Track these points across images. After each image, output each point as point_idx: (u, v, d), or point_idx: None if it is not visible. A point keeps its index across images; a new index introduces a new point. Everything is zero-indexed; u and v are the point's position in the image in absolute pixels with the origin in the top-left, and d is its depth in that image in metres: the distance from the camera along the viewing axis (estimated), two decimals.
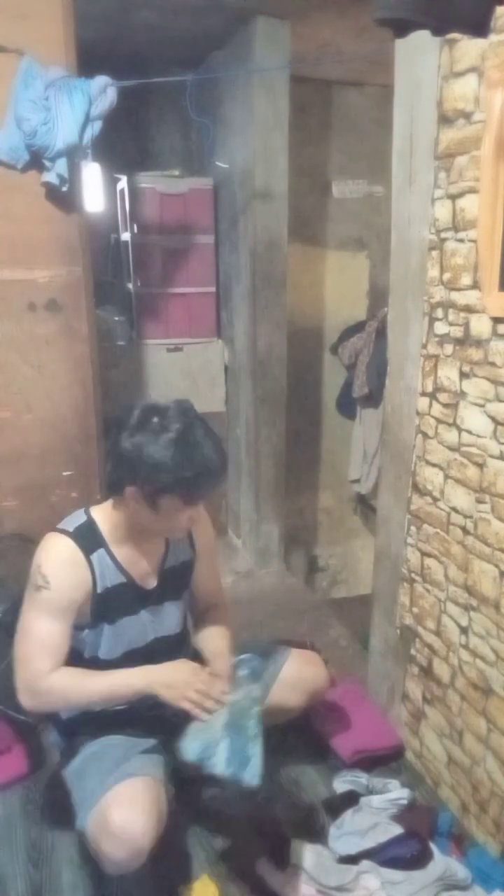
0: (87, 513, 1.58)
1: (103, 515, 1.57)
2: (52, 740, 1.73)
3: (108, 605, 1.56)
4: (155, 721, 1.60)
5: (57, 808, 1.85)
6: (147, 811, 1.40)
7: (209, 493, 1.52)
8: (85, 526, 1.55)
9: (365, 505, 4.01)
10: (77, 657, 1.57)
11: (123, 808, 1.39)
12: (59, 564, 1.49)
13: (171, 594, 1.68)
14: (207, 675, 1.53)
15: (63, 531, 1.53)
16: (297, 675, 1.83)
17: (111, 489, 1.53)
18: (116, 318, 3.48)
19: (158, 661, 1.66)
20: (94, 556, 1.53)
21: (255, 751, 1.47)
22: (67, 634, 1.49)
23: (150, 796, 1.43)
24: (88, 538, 1.53)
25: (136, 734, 1.60)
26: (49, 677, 1.45)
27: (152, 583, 1.63)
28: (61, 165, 2.04)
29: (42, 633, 1.47)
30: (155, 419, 1.43)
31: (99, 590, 1.53)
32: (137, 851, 1.38)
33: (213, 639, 1.71)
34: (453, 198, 1.62)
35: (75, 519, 1.57)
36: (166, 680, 1.49)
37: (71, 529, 1.53)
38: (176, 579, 1.69)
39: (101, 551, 1.54)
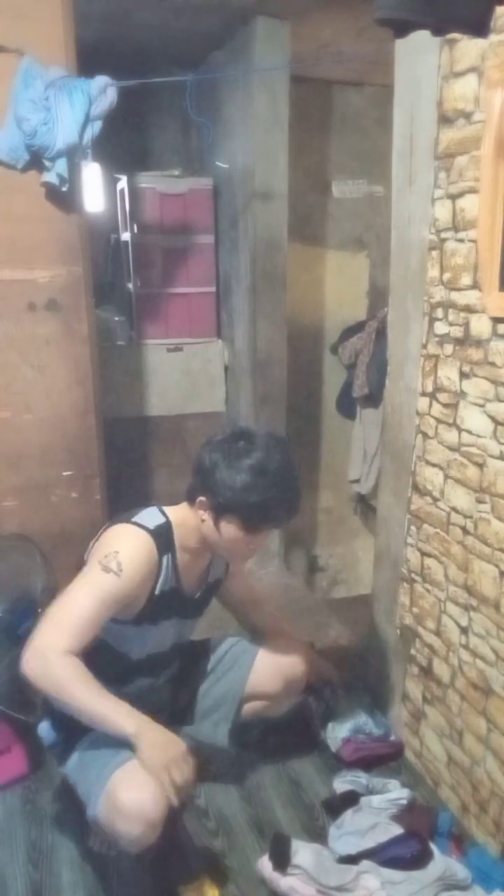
0: (164, 513, 1.60)
1: (179, 520, 1.59)
2: (42, 730, 1.71)
3: (158, 606, 1.59)
4: (151, 707, 1.61)
5: (57, 807, 1.86)
6: (153, 787, 1.41)
7: (273, 525, 1.55)
8: (164, 527, 1.57)
9: (365, 505, 4.01)
10: (106, 650, 1.58)
11: (130, 786, 1.41)
12: (139, 559, 1.50)
13: (204, 606, 1.76)
14: (190, 768, 1.43)
15: (143, 527, 1.54)
16: (272, 661, 1.87)
17: (188, 495, 1.58)
18: (116, 318, 3.48)
19: (172, 666, 1.71)
20: (164, 559, 1.56)
21: None
22: (102, 625, 1.48)
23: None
24: (164, 540, 1.56)
25: None
26: (60, 655, 1.40)
27: (196, 593, 1.69)
28: (61, 165, 2.04)
29: (85, 611, 1.44)
30: (242, 442, 1.49)
31: (157, 591, 1.56)
32: (152, 824, 1.39)
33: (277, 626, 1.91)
34: (453, 198, 1.62)
35: (153, 517, 1.58)
36: (154, 744, 1.41)
37: (151, 527, 1.55)
38: (210, 593, 1.76)
39: (169, 555, 1.57)
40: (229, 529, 1.51)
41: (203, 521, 1.55)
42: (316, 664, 1.98)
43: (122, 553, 1.48)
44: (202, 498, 1.52)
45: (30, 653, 1.42)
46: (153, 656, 1.67)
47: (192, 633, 1.82)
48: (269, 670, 1.86)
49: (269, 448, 1.49)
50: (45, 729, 1.68)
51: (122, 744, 1.49)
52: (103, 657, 1.56)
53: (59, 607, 1.46)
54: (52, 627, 1.43)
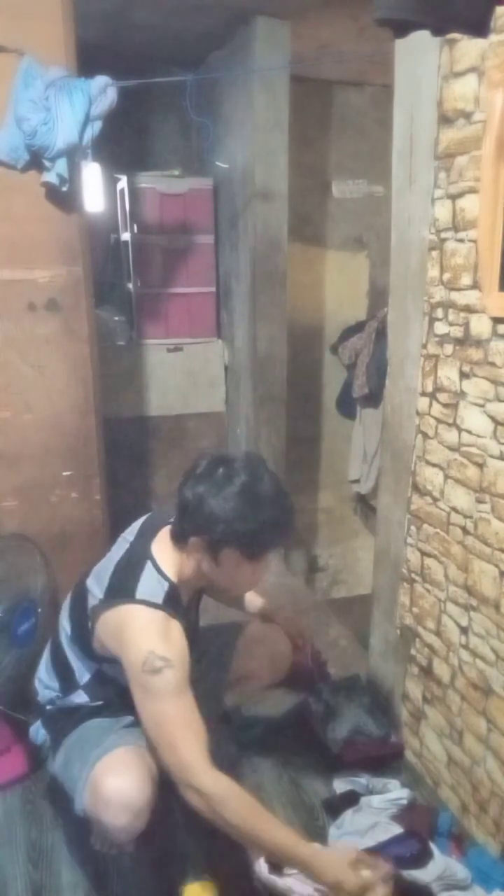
0: (163, 574, 1.49)
1: (178, 575, 1.50)
2: (32, 732, 1.71)
3: None
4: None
5: (57, 808, 1.86)
6: (137, 773, 1.40)
7: (274, 549, 1.50)
8: (170, 594, 1.48)
9: (365, 505, 4.01)
10: (117, 688, 1.52)
11: (112, 774, 1.41)
12: (172, 640, 1.42)
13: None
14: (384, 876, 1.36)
15: (153, 604, 1.45)
16: (254, 638, 1.86)
17: (176, 538, 1.49)
18: (116, 318, 3.48)
19: None
20: (181, 618, 1.49)
21: None
22: (198, 714, 1.40)
23: (137, 760, 1.44)
24: (174, 605, 1.48)
25: (115, 715, 1.60)
26: (214, 779, 1.35)
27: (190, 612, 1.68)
28: (61, 165, 2.04)
29: (185, 715, 1.38)
30: (221, 469, 1.42)
31: None
32: (137, 812, 1.39)
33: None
34: (453, 198, 1.62)
35: (157, 587, 1.47)
36: (332, 880, 1.35)
37: (160, 602, 1.45)
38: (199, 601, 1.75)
39: (182, 610, 1.53)
40: (230, 562, 1.44)
41: (201, 562, 1.46)
42: (306, 641, 1.96)
43: (157, 647, 1.38)
44: (194, 539, 1.43)
45: (187, 794, 1.37)
46: None
47: None
48: (252, 650, 1.85)
49: (251, 469, 1.43)
50: (35, 729, 1.69)
51: (103, 735, 1.50)
52: (118, 698, 1.53)
53: (161, 737, 1.39)
54: (183, 753, 1.36)
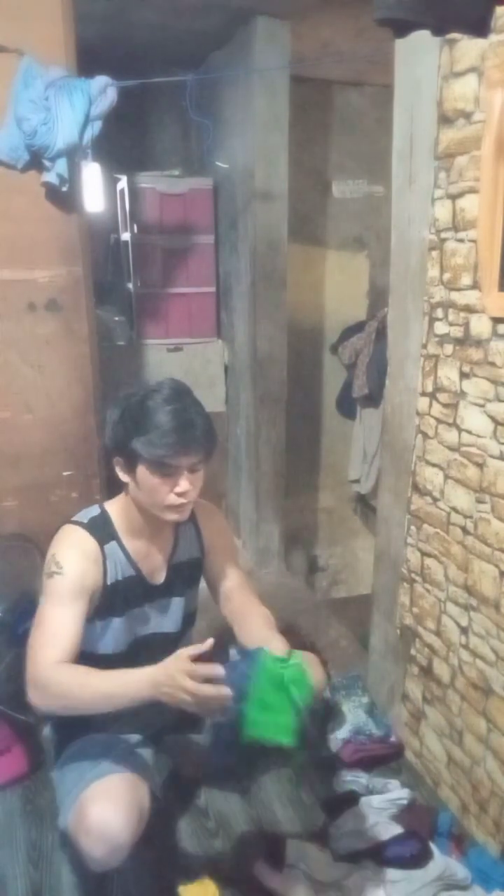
0: (101, 506, 1.60)
1: (116, 508, 1.59)
2: (45, 734, 1.72)
3: (117, 597, 1.56)
4: (151, 715, 1.60)
5: (56, 808, 1.86)
6: (125, 808, 1.38)
7: (175, 455, 1.45)
8: (99, 518, 1.57)
9: (365, 505, 4.01)
10: (89, 659, 1.53)
11: (100, 804, 1.38)
12: (73, 551, 1.49)
13: (177, 590, 1.68)
14: (194, 670, 1.29)
15: (77, 522, 1.55)
16: None
17: (114, 468, 1.56)
18: (116, 318, 3.48)
19: (155, 658, 1.66)
20: (108, 548, 1.54)
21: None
22: (78, 623, 1.45)
23: (128, 793, 1.42)
24: (102, 529, 1.55)
25: (124, 730, 1.60)
26: (52, 668, 1.38)
27: (160, 578, 1.64)
28: (61, 165, 2.04)
29: (53, 621, 1.43)
30: (135, 392, 1.48)
31: (109, 581, 1.54)
32: (116, 848, 1.36)
33: (262, 632, 1.60)
34: (453, 198, 1.62)
35: (89, 511, 1.59)
36: (159, 681, 1.31)
37: (85, 521, 1.55)
38: (183, 575, 1.68)
39: (114, 543, 1.55)
40: (143, 478, 1.46)
41: (131, 489, 1.52)
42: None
43: (58, 553, 1.49)
44: (115, 460, 1.51)
45: (28, 689, 1.40)
46: (132, 647, 1.61)
47: (182, 623, 1.72)
48: None
49: (156, 386, 1.48)
50: (47, 732, 1.69)
51: (103, 754, 1.49)
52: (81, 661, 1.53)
53: (32, 634, 1.45)
54: (32, 653, 1.42)
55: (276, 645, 1.47)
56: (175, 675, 1.27)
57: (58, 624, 1.44)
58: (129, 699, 1.35)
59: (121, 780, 1.44)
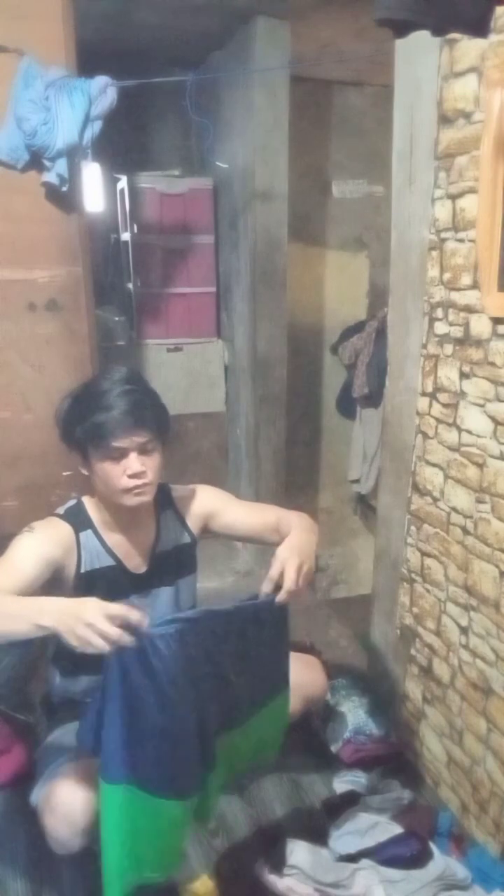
0: (79, 498, 1.62)
1: (91, 502, 1.60)
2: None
3: (94, 586, 1.54)
4: None
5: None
6: (92, 791, 1.39)
7: (122, 436, 1.43)
8: (74, 507, 1.59)
9: (365, 505, 4.01)
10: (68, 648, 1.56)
11: (68, 786, 1.41)
12: (48, 529, 1.52)
13: (165, 580, 1.67)
14: (106, 608, 1.26)
15: (54, 514, 1.58)
16: (294, 680, 1.82)
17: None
18: (116, 318, 3.48)
19: None
20: (83, 535, 1.55)
21: None
22: (31, 577, 1.41)
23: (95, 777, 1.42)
24: (77, 518, 1.56)
25: None
26: None
27: (142, 568, 1.63)
28: (61, 165, 2.04)
29: (7, 559, 1.43)
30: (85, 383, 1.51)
31: (83, 569, 1.54)
32: (77, 830, 1.38)
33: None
34: (453, 198, 1.63)
35: (66, 504, 1.61)
36: (64, 610, 1.27)
37: (62, 512, 1.58)
38: (169, 564, 1.67)
39: (89, 532, 1.56)
40: (97, 467, 1.47)
41: (89, 477, 1.52)
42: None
43: (35, 525, 1.52)
44: (74, 454, 1.51)
45: None
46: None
47: (175, 611, 1.68)
48: (291, 690, 1.79)
49: (101, 373, 1.50)
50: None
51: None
52: (72, 656, 1.55)
53: None
54: None
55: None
56: (86, 608, 1.23)
57: (9, 561, 1.43)
58: (29, 623, 1.27)
59: (93, 764, 1.41)
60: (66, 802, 1.39)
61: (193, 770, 1.41)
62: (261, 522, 1.71)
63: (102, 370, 1.53)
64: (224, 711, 1.45)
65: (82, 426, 1.45)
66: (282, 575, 1.42)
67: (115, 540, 1.59)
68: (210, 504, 1.73)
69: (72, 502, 1.60)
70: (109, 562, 1.58)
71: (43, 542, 1.49)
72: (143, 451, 1.46)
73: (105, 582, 1.56)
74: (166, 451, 1.56)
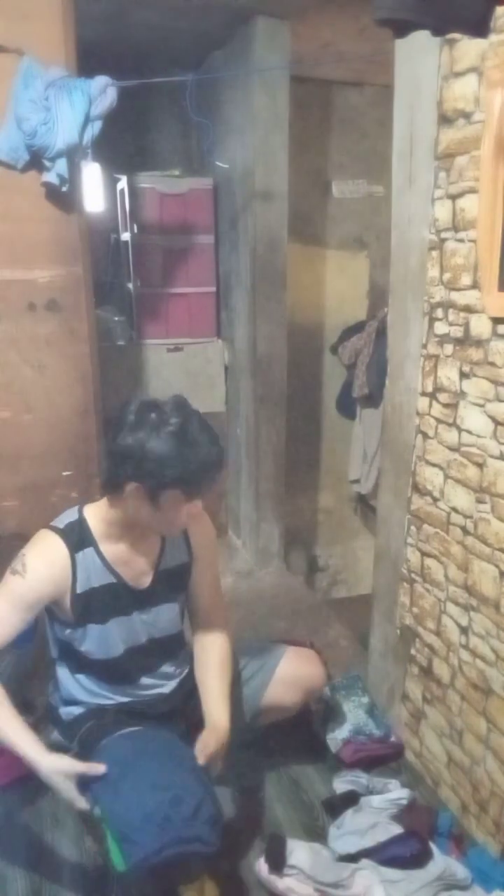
0: (80, 511, 1.58)
1: (96, 514, 1.57)
2: (52, 740, 1.73)
3: (92, 605, 1.55)
4: (162, 718, 1.63)
5: (54, 807, 1.86)
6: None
7: (210, 487, 1.50)
8: (75, 524, 1.56)
9: (365, 505, 4.01)
10: (73, 652, 1.59)
11: None
12: (43, 558, 1.50)
13: (167, 596, 1.67)
14: (68, 784, 1.41)
15: (53, 528, 1.55)
16: (293, 673, 1.83)
17: (109, 487, 1.51)
18: (116, 318, 3.48)
19: (155, 662, 1.67)
20: (80, 555, 1.53)
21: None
22: (15, 626, 1.48)
23: None
24: (77, 536, 1.54)
25: (147, 725, 1.60)
26: None
27: (146, 583, 1.62)
28: (61, 165, 2.04)
29: None
30: (153, 415, 1.43)
31: (79, 590, 1.53)
32: None
33: (210, 675, 1.68)
34: (453, 198, 1.63)
35: (67, 516, 1.58)
36: (42, 768, 1.41)
37: (61, 526, 1.55)
38: (172, 581, 1.67)
39: (90, 550, 1.54)
40: (169, 502, 1.45)
41: (135, 507, 1.47)
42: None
43: (28, 555, 1.50)
44: (133, 486, 1.44)
45: None
46: (130, 652, 1.63)
47: (179, 622, 1.74)
48: (288, 684, 1.83)
49: (181, 411, 1.45)
50: (53, 736, 1.72)
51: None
52: (75, 660, 1.59)
53: None
54: None
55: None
56: (53, 775, 1.39)
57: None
58: (18, 754, 1.42)
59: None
60: None
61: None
62: (210, 604, 1.76)
63: (169, 407, 1.46)
64: None
65: (178, 469, 1.41)
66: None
67: (116, 553, 1.57)
68: (208, 543, 1.74)
69: (73, 516, 1.57)
70: (109, 579, 1.57)
71: (32, 587, 1.48)
72: None
73: (104, 599, 1.56)
74: None
